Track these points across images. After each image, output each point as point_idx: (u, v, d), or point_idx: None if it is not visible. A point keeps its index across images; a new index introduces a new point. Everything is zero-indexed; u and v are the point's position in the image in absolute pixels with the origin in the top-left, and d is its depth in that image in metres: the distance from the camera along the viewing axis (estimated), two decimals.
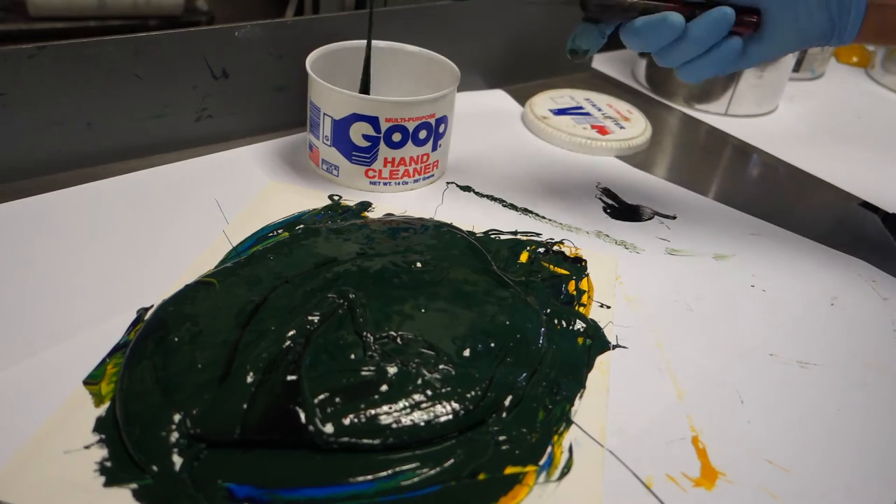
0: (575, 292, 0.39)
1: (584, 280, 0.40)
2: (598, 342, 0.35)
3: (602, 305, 0.38)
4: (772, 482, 0.30)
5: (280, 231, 0.40)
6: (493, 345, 0.33)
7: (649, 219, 0.46)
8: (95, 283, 0.35)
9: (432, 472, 0.28)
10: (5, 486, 0.25)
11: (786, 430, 0.32)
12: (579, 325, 0.36)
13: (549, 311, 0.36)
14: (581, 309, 0.37)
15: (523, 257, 0.40)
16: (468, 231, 0.42)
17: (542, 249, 0.41)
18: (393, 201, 0.45)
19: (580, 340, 0.35)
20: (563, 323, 0.36)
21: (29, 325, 0.32)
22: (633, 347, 0.36)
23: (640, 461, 0.30)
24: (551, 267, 0.40)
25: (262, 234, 0.40)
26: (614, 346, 0.35)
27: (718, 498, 0.29)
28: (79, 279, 0.35)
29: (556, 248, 0.42)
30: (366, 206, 0.43)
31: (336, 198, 0.44)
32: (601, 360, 0.34)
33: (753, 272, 0.42)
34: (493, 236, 0.42)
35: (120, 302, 0.34)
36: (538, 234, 0.43)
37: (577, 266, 0.41)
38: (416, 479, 0.27)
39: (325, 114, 0.43)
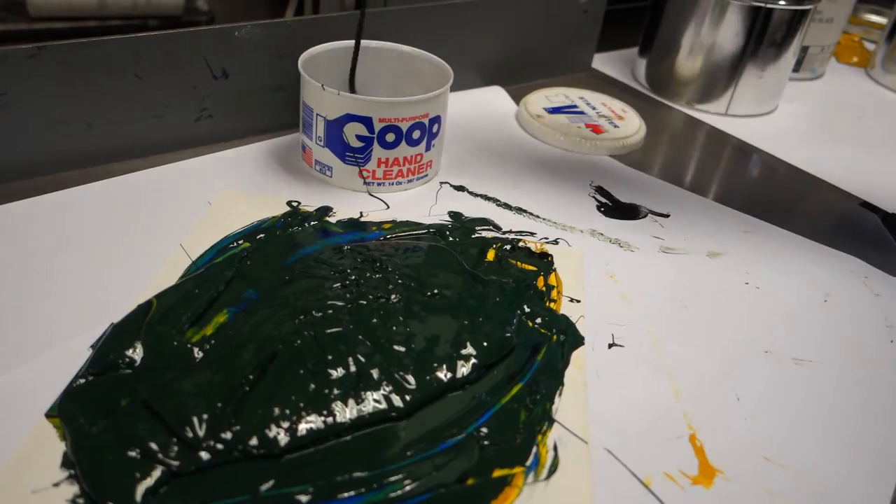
0: (544, 288, 0.38)
1: (552, 275, 0.39)
2: (571, 337, 0.35)
3: (572, 300, 0.38)
4: (769, 479, 0.30)
5: (241, 242, 0.39)
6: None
7: (643, 217, 0.47)
8: (94, 284, 0.35)
9: (420, 481, 0.27)
10: None
11: (782, 427, 0.32)
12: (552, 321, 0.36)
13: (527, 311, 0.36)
14: (552, 304, 0.37)
15: (490, 255, 0.40)
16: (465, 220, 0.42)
17: (507, 247, 0.41)
18: (387, 201, 0.45)
19: (554, 337, 0.35)
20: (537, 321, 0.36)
21: (22, 331, 0.32)
22: (628, 346, 0.36)
23: (638, 460, 0.30)
24: (518, 264, 0.40)
25: (222, 246, 0.39)
26: (611, 345, 0.35)
27: (717, 496, 0.29)
28: (78, 280, 0.35)
29: (520, 244, 0.42)
30: (326, 210, 0.43)
31: (295, 204, 0.43)
32: (576, 356, 0.34)
33: (747, 269, 0.42)
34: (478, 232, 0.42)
35: (116, 306, 0.34)
36: (533, 233, 0.43)
37: (544, 261, 0.41)
38: (404, 490, 0.27)
39: (317, 114, 0.43)
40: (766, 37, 0.60)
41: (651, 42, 0.66)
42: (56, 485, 0.26)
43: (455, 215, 0.44)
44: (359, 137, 0.43)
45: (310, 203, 0.43)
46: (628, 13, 0.76)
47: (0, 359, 0.30)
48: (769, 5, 0.58)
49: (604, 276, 0.40)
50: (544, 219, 0.45)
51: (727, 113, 0.64)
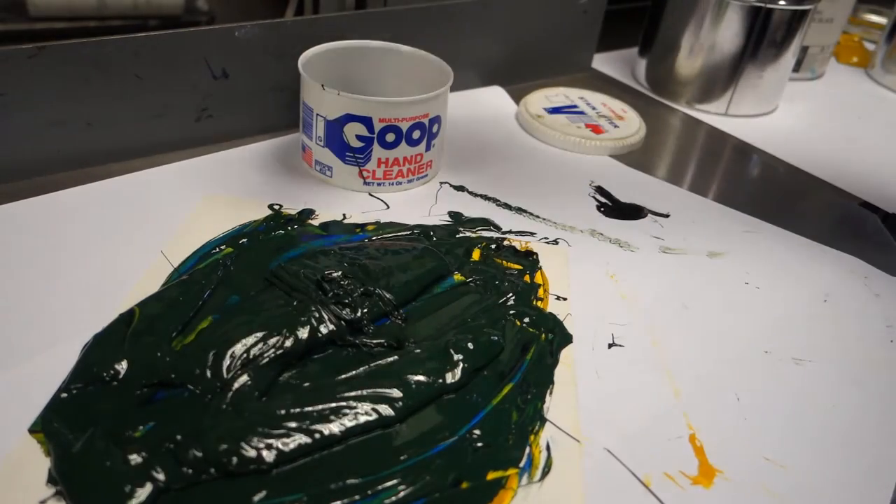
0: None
1: (538, 273, 0.39)
2: (560, 336, 0.35)
3: (559, 298, 0.38)
4: (769, 479, 0.30)
5: (223, 247, 0.38)
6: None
7: (643, 217, 0.47)
8: (94, 285, 0.35)
9: (414, 486, 0.27)
10: None
11: (782, 427, 0.32)
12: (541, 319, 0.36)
13: (512, 312, 0.36)
14: (538, 303, 0.37)
15: (475, 255, 0.40)
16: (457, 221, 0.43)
17: (493, 246, 0.41)
18: (387, 202, 0.45)
19: (542, 336, 0.35)
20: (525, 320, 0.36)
21: (19, 333, 0.32)
22: (628, 346, 0.36)
23: (638, 460, 0.30)
24: (504, 263, 0.40)
25: (204, 252, 0.38)
26: (611, 345, 0.35)
27: (717, 496, 0.29)
28: (78, 282, 0.35)
29: (505, 242, 0.42)
30: (309, 213, 0.42)
31: (277, 207, 0.42)
32: (565, 353, 0.34)
33: (747, 269, 0.42)
34: (463, 233, 0.42)
35: (115, 309, 0.34)
36: (533, 233, 0.43)
37: (530, 260, 0.40)
38: (399, 496, 0.27)
39: (317, 114, 0.43)
40: (765, 37, 0.60)
41: (651, 42, 0.66)
42: (42, 502, 0.25)
43: (455, 215, 0.44)
44: (359, 137, 0.43)
45: (311, 204, 0.43)
46: (628, 13, 0.76)
47: None
48: (769, 5, 0.58)
49: (604, 276, 0.40)
50: (544, 219, 0.45)
51: (727, 113, 0.64)
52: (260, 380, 0.30)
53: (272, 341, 0.31)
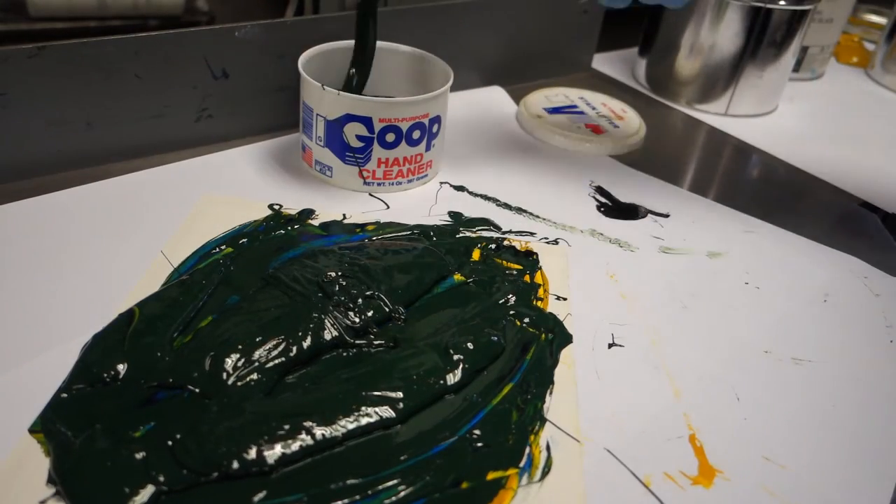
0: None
1: (538, 273, 0.40)
2: (560, 336, 0.35)
3: (559, 298, 0.38)
4: (769, 479, 0.30)
5: (223, 247, 0.38)
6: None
7: (643, 217, 0.47)
8: (94, 286, 0.35)
9: (414, 486, 0.27)
10: None
11: (782, 427, 0.32)
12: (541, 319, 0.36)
13: (512, 312, 0.36)
14: (538, 303, 0.37)
15: (475, 255, 0.40)
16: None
17: (493, 246, 0.41)
18: (387, 202, 0.45)
19: (542, 336, 0.35)
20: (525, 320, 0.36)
21: (17, 334, 0.32)
22: (628, 346, 0.36)
23: (638, 460, 0.30)
24: (504, 263, 0.40)
25: (203, 252, 0.38)
26: (611, 345, 0.35)
27: (717, 496, 0.29)
28: (78, 282, 0.35)
29: (505, 242, 0.42)
30: (309, 213, 0.42)
31: (277, 207, 0.42)
32: (565, 353, 0.34)
33: (747, 269, 0.42)
34: (463, 233, 0.42)
35: (115, 310, 0.33)
36: (533, 233, 0.43)
37: (530, 260, 0.41)
38: (399, 496, 0.27)
39: (317, 114, 0.43)
40: (765, 37, 0.60)
41: (651, 42, 0.66)
42: (42, 502, 0.25)
43: (455, 215, 0.44)
44: (359, 137, 0.43)
45: (311, 204, 0.43)
46: (628, 13, 0.76)
47: None
48: (769, 5, 0.58)
49: (604, 276, 0.40)
50: (544, 219, 0.45)
51: (727, 113, 0.64)
52: (263, 382, 0.30)
53: (274, 344, 0.31)
